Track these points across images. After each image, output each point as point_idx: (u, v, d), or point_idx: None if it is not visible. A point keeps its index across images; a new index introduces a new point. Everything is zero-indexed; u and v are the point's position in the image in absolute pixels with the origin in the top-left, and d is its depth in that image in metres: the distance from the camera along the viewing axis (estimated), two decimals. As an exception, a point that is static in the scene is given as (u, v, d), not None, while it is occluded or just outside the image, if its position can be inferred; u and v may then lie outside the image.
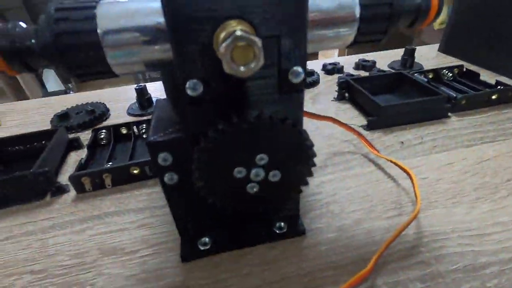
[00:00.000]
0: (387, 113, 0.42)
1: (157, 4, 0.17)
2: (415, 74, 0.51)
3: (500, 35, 0.53)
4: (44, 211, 0.33)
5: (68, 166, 0.39)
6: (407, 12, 0.21)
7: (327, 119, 0.34)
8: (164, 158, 0.20)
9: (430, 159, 0.36)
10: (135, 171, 0.35)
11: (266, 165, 0.20)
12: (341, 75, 0.61)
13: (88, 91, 0.64)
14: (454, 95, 0.44)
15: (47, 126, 0.50)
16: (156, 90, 0.60)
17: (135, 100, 0.54)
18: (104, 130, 0.43)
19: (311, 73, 0.60)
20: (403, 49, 0.61)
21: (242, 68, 0.15)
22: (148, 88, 0.53)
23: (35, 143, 0.41)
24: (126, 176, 0.35)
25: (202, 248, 0.26)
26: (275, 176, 0.21)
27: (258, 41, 0.14)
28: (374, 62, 0.63)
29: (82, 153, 0.41)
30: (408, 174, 0.32)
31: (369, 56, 0.69)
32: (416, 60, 0.61)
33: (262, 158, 0.20)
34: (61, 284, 0.25)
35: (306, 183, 0.22)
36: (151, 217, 0.31)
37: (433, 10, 0.21)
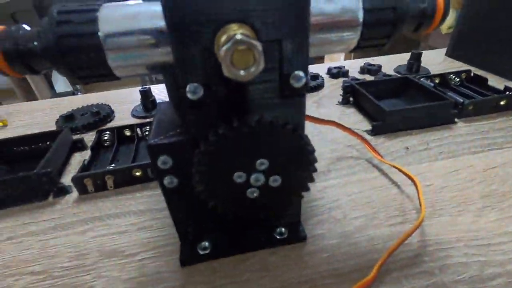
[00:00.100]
0: (392, 118, 0.41)
1: (158, 8, 0.16)
2: (421, 79, 0.50)
3: (509, 40, 0.52)
4: (46, 212, 0.33)
5: (71, 167, 0.40)
6: (412, 17, 0.20)
7: (330, 124, 0.34)
8: (164, 161, 0.20)
9: (435, 165, 0.35)
10: (137, 173, 0.35)
11: (267, 170, 0.20)
12: (346, 79, 0.60)
13: (95, 93, 0.65)
14: (461, 101, 0.43)
15: (52, 127, 0.50)
16: (161, 92, 0.60)
17: (139, 102, 0.54)
18: (108, 132, 0.43)
19: (316, 76, 0.60)
20: (410, 53, 0.60)
21: (242, 72, 0.15)
22: (152, 90, 0.54)
23: (40, 144, 0.41)
24: (128, 178, 0.35)
25: (201, 252, 0.26)
26: (275, 181, 0.21)
27: (258, 45, 0.14)
28: (379, 66, 0.62)
29: (86, 154, 0.41)
30: (412, 180, 0.32)
31: (375, 60, 0.68)
32: (422, 64, 0.61)
33: (262, 163, 0.20)
34: (60, 285, 0.25)
35: (307, 189, 0.22)
36: (151, 220, 0.31)
37: (439, 15, 0.20)
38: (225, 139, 0.18)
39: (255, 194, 0.21)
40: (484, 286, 0.23)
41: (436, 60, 0.66)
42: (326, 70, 0.65)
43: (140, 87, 0.53)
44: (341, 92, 0.52)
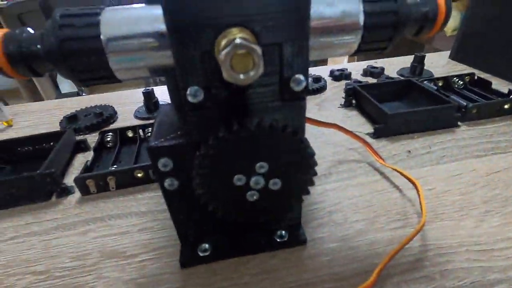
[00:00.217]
0: (394, 121, 0.41)
1: (159, 11, 0.17)
2: (425, 82, 0.50)
3: (513, 43, 0.52)
4: (49, 212, 0.33)
5: (74, 168, 0.40)
6: (413, 20, 0.20)
7: (331, 126, 0.34)
8: (164, 163, 0.21)
9: (437, 169, 0.35)
10: (139, 175, 0.35)
11: (266, 173, 0.20)
12: (349, 81, 0.60)
13: (98, 94, 0.66)
14: (465, 104, 0.43)
15: (56, 127, 0.51)
16: (164, 94, 0.61)
17: (142, 104, 0.54)
18: (110, 133, 0.43)
19: (318, 79, 0.59)
20: (413, 56, 0.60)
21: (241, 76, 0.15)
22: (155, 91, 0.54)
23: (44, 144, 0.42)
24: (130, 179, 0.35)
25: (202, 254, 0.26)
26: (275, 184, 0.21)
27: (257, 49, 0.14)
28: (382, 69, 0.62)
29: (89, 155, 0.41)
30: (414, 184, 0.31)
31: (378, 62, 0.68)
32: (426, 67, 0.60)
33: (262, 166, 0.20)
34: (61, 286, 0.25)
35: (307, 192, 0.22)
36: (152, 221, 0.31)
37: (440, 19, 0.20)
38: (225, 142, 0.18)
39: (255, 197, 0.21)
40: (485, 292, 0.22)
41: (439, 63, 0.66)
42: (328, 73, 0.64)
43: (143, 89, 0.53)
44: (344, 95, 0.51)
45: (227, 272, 0.25)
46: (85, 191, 0.35)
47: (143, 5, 0.18)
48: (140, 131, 0.43)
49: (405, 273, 0.24)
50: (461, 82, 0.51)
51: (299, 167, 0.21)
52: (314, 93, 0.56)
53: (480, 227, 0.27)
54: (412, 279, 0.23)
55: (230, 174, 0.20)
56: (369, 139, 0.41)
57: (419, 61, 0.59)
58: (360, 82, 0.57)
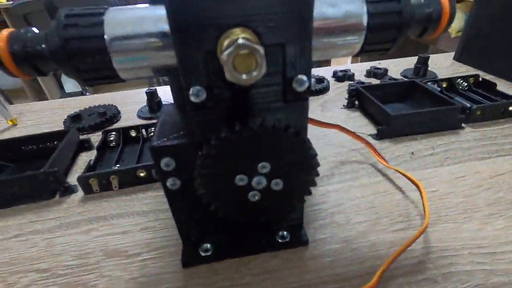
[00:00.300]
0: (397, 123, 0.41)
1: (163, 11, 0.17)
2: (428, 83, 0.50)
3: (519, 45, 0.51)
4: (52, 211, 0.33)
5: (77, 167, 0.40)
6: (417, 21, 0.20)
7: (334, 127, 0.34)
8: (167, 163, 0.21)
9: (441, 171, 0.35)
10: (141, 174, 0.35)
11: (268, 173, 0.20)
12: (352, 82, 0.60)
13: (102, 93, 0.66)
14: (469, 106, 0.43)
15: (60, 126, 0.51)
16: (167, 94, 0.61)
17: (145, 103, 0.54)
18: (113, 132, 0.43)
19: (321, 79, 0.59)
20: (417, 57, 0.60)
21: (244, 76, 0.15)
22: (158, 91, 0.54)
23: (48, 143, 0.42)
24: (132, 178, 0.35)
25: (203, 254, 0.26)
26: (277, 184, 0.21)
27: (260, 49, 0.14)
28: (386, 70, 0.62)
29: (92, 154, 0.41)
30: (417, 186, 0.31)
31: (382, 63, 0.68)
32: (430, 68, 0.60)
33: (264, 166, 0.20)
34: (64, 284, 0.25)
35: (309, 193, 0.22)
36: (154, 221, 0.31)
37: (444, 20, 0.20)
38: (227, 142, 0.18)
39: (256, 197, 0.21)
40: (489, 296, 0.22)
41: (444, 64, 0.66)
42: (331, 73, 0.64)
43: (146, 89, 0.53)
44: (347, 96, 0.51)
45: (229, 272, 0.25)
46: (88, 190, 0.35)
47: (146, 5, 0.18)
48: (143, 130, 0.43)
49: (407, 275, 0.24)
50: (466, 84, 0.51)
51: (301, 167, 0.20)
52: (317, 93, 0.56)
53: (483, 229, 0.27)
54: (414, 282, 0.23)
55: (232, 174, 0.20)
56: (372, 140, 0.41)
57: (423, 62, 0.59)
58: (363, 83, 0.57)
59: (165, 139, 0.21)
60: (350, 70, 0.63)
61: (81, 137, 0.45)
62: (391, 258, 0.24)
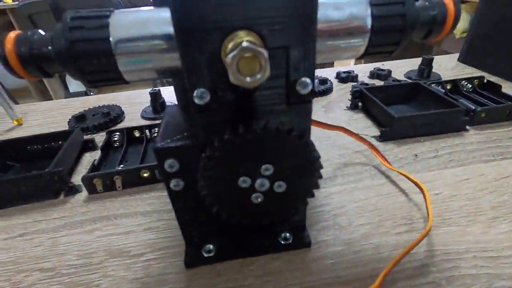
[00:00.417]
0: (401, 124, 0.40)
1: (168, 14, 0.17)
2: (432, 85, 0.50)
3: (524, 46, 0.51)
4: (57, 210, 0.34)
5: (82, 167, 0.41)
6: (422, 24, 0.20)
7: (337, 129, 0.34)
8: (170, 164, 0.21)
9: (444, 173, 0.35)
10: (145, 175, 0.35)
11: (271, 176, 0.20)
12: (355, 83, 0.60)
13: (106, 94, 0.66)
14: (473, 108, 0.42)
15: (65, 126, 0.52)
16: (170, 94, 0.61)
17: (149, 104, 0.55)
18: (117, 133, 0.44)
19: (324, 81, 0.59)
20: (421, 58, 0.60)
21: (248, 79, 0.15)
22: (162, 92, 0.54)
23: (52, 143, 0.42)
24: (136, 179, 0.35)
25: (206, 255, 0.26)
26: (280, 187, 0.21)
27: (264, 52, 0.14)
28: (389, 71, 0.62)
29: (96, 154, 0.42)
30: (420, 188, 0.31)
31: (385, 65, 0.68)
32: (434, 70, 0.60)
33: (267, 169, 0.20)
34: (68, 283, 0.26)
35: (312, 195, 0.22)
36: (158, 221, 0.31)
37: (449, 22, 0.20)
38: (230, 145, 0.18)
39: (259, 199, 0.21)
40: (493, 300, 0.22)
41: (448, 66, 0.65)
42: (335, 75, 0.64)
43: (150, 89, 0.54)
44: (350, 97, 0.51)
45: (231, 273, 0.25)
46: (92, 190, 0.35)
47: (151, 7, 0.18)
48: (147, 131, 0.44)
49: (410, 278, 0.24)
50: (470, 86, 0.51)
51: (304, 170, 0.21)
52: (320, 95, 0.56)
53: (487, 233, 0.27)
54: (417, 285, 0.23)
55: (235, 176, 0.20)
56: (375, 142, 0.41)
57: (427, 64, 0.58)
58: (366, 84, 0.57)
59: (169, 140, 0.21)
60: (353, 71, 0.63)
61: (85, 137, 0.45)
62: (394, 261, 0.24)
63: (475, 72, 0.60)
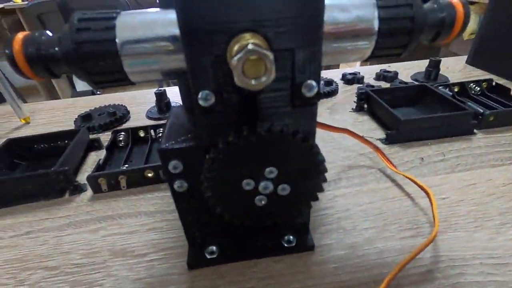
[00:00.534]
0: (407, 127, 0.40)
1: (174, 16, 0.17)
2: (440, 87, 0.49)
3: (535, 49, 0.50)
4: (62, 209, 0.34)
5: (87, 166, 0.41)
6: (430, 26, 0.20)
7: (342, 131, 0.33)
8: (174, 165, 0.21)
9: (451, 178, 0.34)
10: (149, 175, 0.36)
11: (275, 178, 0.20)
12: (361, 85, 0.59)
13: (112, 93, 0.67)
14: (481, 111, 0.42)
15: (71, 126, 0.52)
16: (176, 94, 0.61)
17: (154, 104, 0.55)
18: (123, 132, 0.44)
19: (330, 82, 0.59)
20: (428, 60, 0.59)
21: (253, 82, 0.15)
22: (167, 92, 0.55)
23: (59, 142, 0.43)
24: (140, 178, 0.36)
25: (209, 256, 0.26)
26: (284, 189, 0.21)
27: (269, 55, 0.14)
28: (396, 73, 0.61)
29: (101, 154, 0.42)
30: (426, 192, 0.31)
31: (392, 66, 0.67)
32: (441, 72, 0.59)
33: (271, 171, 0.20)
34: (71, 282, 0.26)
35: (316, 198, 0.22)
36: (161, 221, 0.31)
37: (458, 25, 0.20)
38: (235, 147, 0.18)
39: (263, 202, 0.21)
40: (500, 308, 0.22)
41: (456, 68, 0.64)
42: (340, 76, 0.64)
43: (156, 89, 0.54)
44: (355, 99, 0.51)
45: (234, 275, 0.25)
46: (97, 189, 0.35)
47: (158, 9, 0.18)
48: (152, 131, 0.44)
49: (415, 284, 0.23)
50: (478, 88, 0.50)
51: (308, 173, 0.20)
52: (326, 96, 0.56)
53: (495, 239, 0.27)
54: (422, 291, 0.23)
55: (239, 179, 0.20)
56: (380, 145, 0.41)
57: (434, 66, 0.58)
58: (372, 86, 0.56)
59: (173, 141, 0.21)
60: (359, 73, 0.63)
61: (91, 136, 0.46)
62: (398, 266, 0.23)
63: (484, 75, 0.60)
